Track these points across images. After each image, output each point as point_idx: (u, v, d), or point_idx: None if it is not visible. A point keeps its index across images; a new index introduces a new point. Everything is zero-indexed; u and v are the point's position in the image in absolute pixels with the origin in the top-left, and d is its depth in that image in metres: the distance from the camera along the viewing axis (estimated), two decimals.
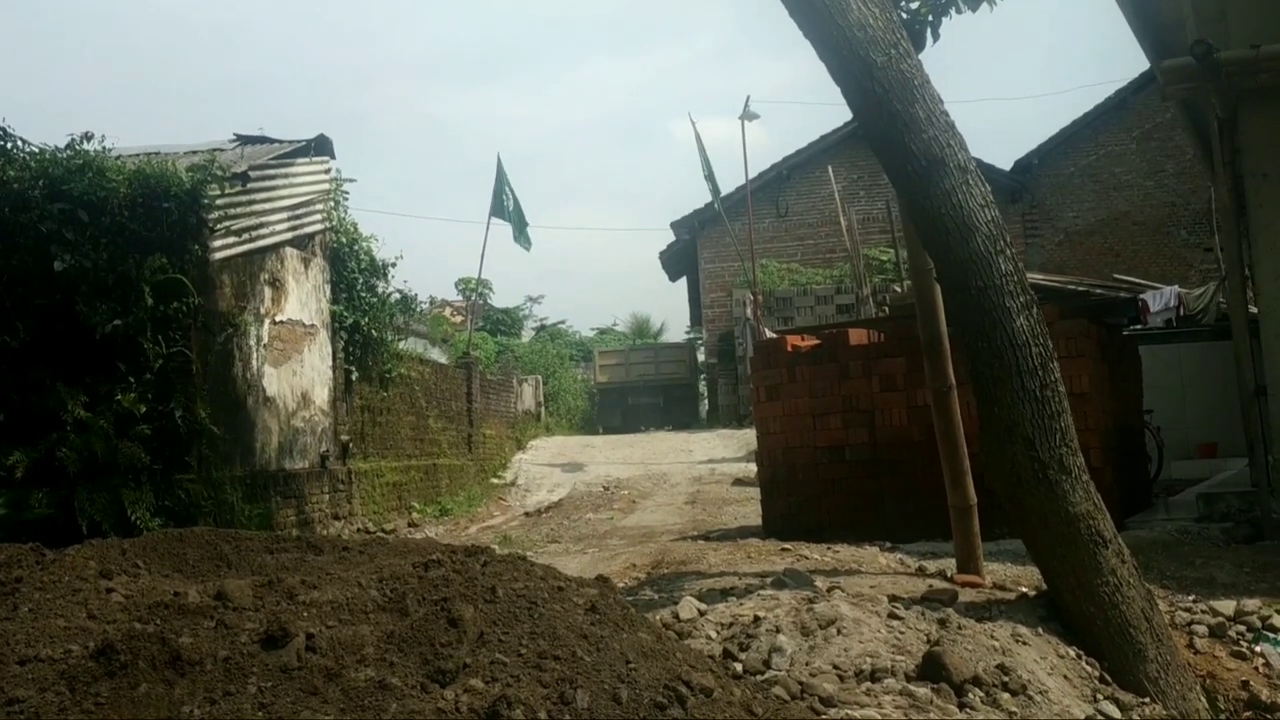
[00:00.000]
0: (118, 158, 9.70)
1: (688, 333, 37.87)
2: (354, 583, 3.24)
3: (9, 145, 9.62)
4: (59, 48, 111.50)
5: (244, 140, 11.91)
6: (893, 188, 5.65)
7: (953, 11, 5.61)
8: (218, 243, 9.81)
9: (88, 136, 9.71)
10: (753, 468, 15.96)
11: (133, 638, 2.71)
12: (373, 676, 2.68)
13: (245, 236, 10.28)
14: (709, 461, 20.07)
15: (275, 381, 10.83)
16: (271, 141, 11.89)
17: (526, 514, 15.14)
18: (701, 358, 32.00)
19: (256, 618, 2.94)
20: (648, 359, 32.64)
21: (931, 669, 3.86)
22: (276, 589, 3.19)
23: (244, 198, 10.32)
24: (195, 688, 2.60)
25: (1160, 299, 14.27)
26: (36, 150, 9.64)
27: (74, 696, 2.58)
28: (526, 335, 41.05)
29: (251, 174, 10.46)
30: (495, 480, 19.69)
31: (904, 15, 5.51)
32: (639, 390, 31.60)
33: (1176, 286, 15.19)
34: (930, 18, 5.66)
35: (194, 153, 10.84)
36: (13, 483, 8.45)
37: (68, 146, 9.57)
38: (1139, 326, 13.78)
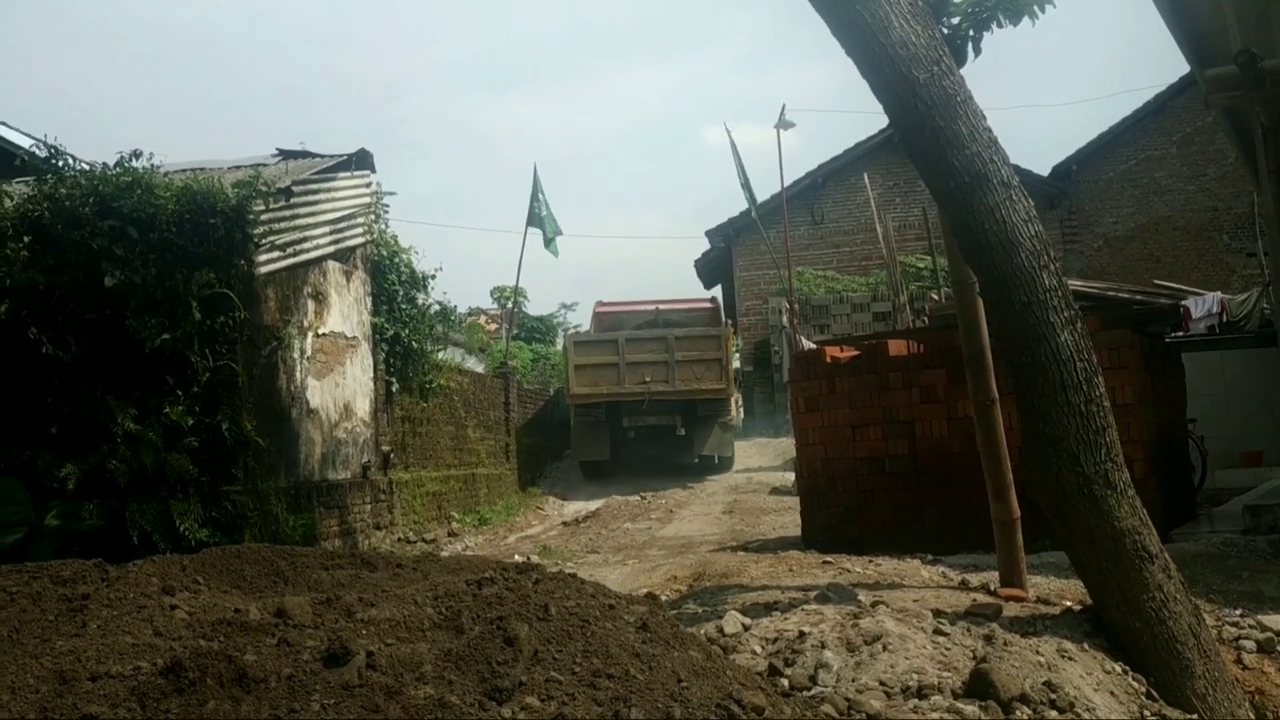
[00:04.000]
0: (165, 174, 9.86)
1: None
2: (410, 600, 3.31)
3: (60, 164, 9.83)
4: (98, 62, 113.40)
5: (286, 155, 12.08)
6: (931, 198, 5.66)
7: (994, 25, 5.61)
8: (262, 257, 9.95)
9: (136, 154, 9.88)
10: (790, 476, 15.95)
11: (200, 655, 2.78)
12: (432, 694, 2.74)
13: (289, 251, 10.42)
14: (745, 470, 20.06)
15: (318, 393, 10.98)
16: (313, 156, 12.05)
17: (564, 523, 15.20)
18: (737, 364, 25.45)
19: (317, 635, 3.01)
20: (657, 353, 19.17)
21: (979, 686, 3.86)
22: (335, 606, 3.27)
23: (287, 212, 10.46)
24: (261, 705, 2.67)
25: (1202, 305, 14.15)
26: (86, 168, 9.84)
27: (144, 713, 2.65)
28: (561, 343, 40.97)
29: (295, 189, 10.60)
30: (533, 489, 19.80)
31: (945, 30, 5.51)
32: (640, 406, 19.29)
33: (1219, 292, 15.05)
34: (971, 32, 5.66)
35: (238, 168, 11.00)
36: (65, 494, 8.59)
37: (117, 164, 9.72)
38: (1181, 333, 13.65)
